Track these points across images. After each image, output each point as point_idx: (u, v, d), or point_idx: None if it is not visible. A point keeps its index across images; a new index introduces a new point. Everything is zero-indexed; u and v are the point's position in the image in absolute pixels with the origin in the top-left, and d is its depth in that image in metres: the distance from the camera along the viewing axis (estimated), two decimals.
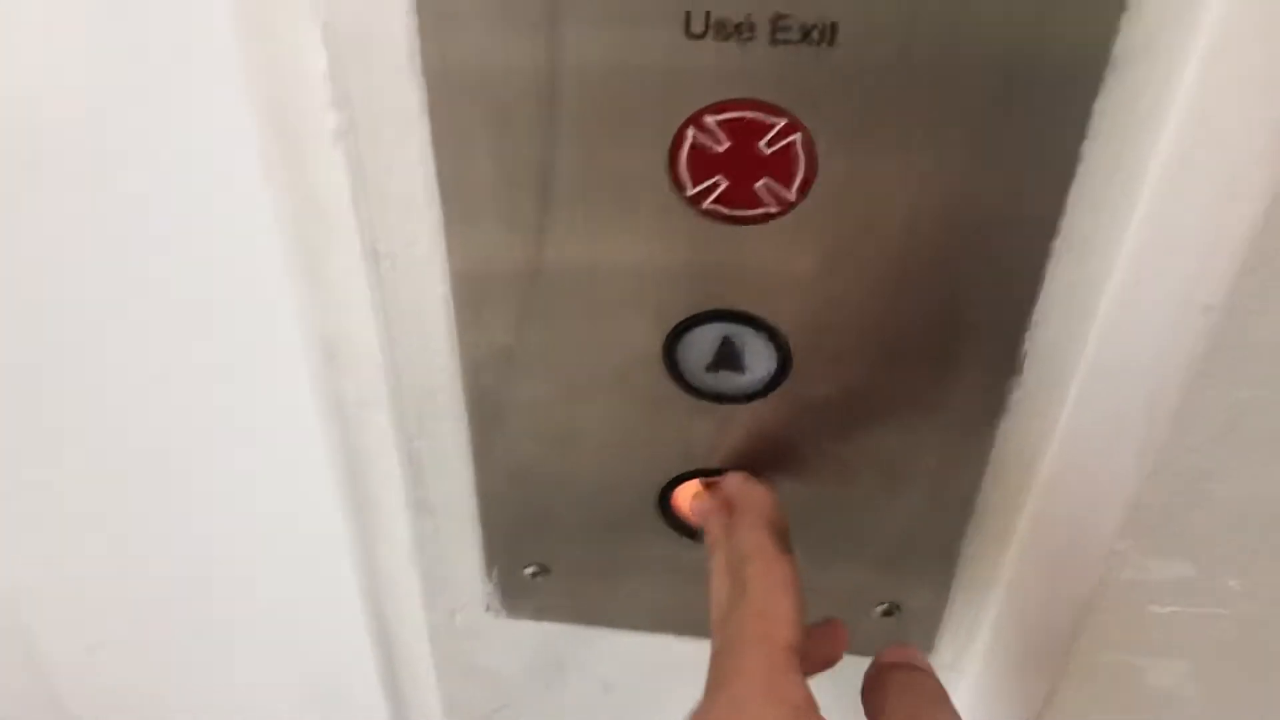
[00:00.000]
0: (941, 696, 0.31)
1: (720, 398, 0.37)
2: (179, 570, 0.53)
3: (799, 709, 0.28)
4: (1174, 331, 0.28)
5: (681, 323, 0.35)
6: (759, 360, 0.35)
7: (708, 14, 0.28)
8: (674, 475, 0.40)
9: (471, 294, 0.35)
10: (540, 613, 0.46)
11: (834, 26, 0.28)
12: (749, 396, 0.36)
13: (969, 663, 0.43)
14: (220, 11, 0.31)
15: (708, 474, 0.39)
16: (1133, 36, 0.27)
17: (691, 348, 0.36)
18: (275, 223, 0.37)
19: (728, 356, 0.36)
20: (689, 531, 0.41)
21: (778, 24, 0.28)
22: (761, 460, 0.39)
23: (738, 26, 0.28)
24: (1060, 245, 0.31)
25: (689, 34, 0.28)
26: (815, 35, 0.28)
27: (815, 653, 0.34)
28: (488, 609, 0.46)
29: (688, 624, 0.45)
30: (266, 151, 0.35)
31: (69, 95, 0.35)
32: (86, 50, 0.33)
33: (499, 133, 0.31)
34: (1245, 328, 0.26)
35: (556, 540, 0.43)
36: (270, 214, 0.36)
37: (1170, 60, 0.27)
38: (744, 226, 0.32)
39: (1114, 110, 0.28)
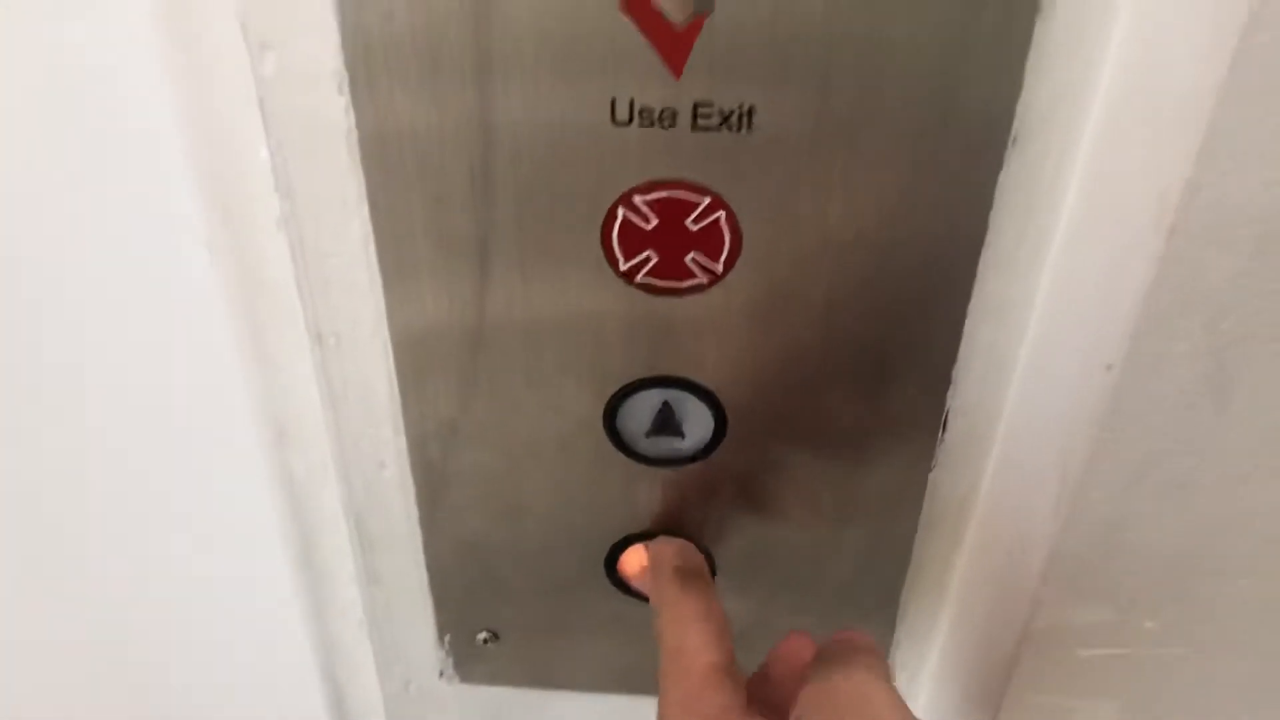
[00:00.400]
0: (855, 651, 0.30)
1: (661, 462, 0.38)
2: (130, 647, 0.53)
3: (711, 716, 0.29)
4: (1080, 389, 0.30)
5: (620, 390, 0.36)
6: (697, 424, 0.37)
7: (632, 102, 0.30)
8: (619, 539, 0.40)
9: (415, 369, 0.36)
10: (493, 678, 0.47)
11: (751, 112, 0.29)
12: (689, 459, 0.38)
13: (913, 710, 0.44)
14: (164, 101, 0.32)
15: (652, 537, 0.40)
16: (1030, 115, 0.29)
17: (631, 414, 0.37)
18: (223, 305, 0.37)
19: (666, 422, 0.37)
20: (636, 594, 0.42)
21: (698, 111, 0.29)
22: (704, 521, 0.40)
23: (660, 114, 0.30)
24: (976, 309, 0.33)
25: (615, 121, 0.30)
26: (734, 121, 0.29)
27: (781, 668, 0.35)
28: (441, 676, 0.47)
29: (638, 683, 0.46)
30: (213, 238, 0.36)
31: (11, 180, 0.36)
32: (29, 137, 0.34)
33: (437, 215, 0.32)
34: (1144, 385, 0.28)
35: (507, 606, 0.44)
36: (218, 297, 0.37)
37: (1065, 136, 0.29)
38: (675, 298, 0.34)
39: (1017, 183, 0.30)
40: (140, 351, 0.40)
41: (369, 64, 0.30)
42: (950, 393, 0.35)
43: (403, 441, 0.38)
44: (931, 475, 0.37)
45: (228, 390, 0.40)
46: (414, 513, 0.40)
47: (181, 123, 0.33)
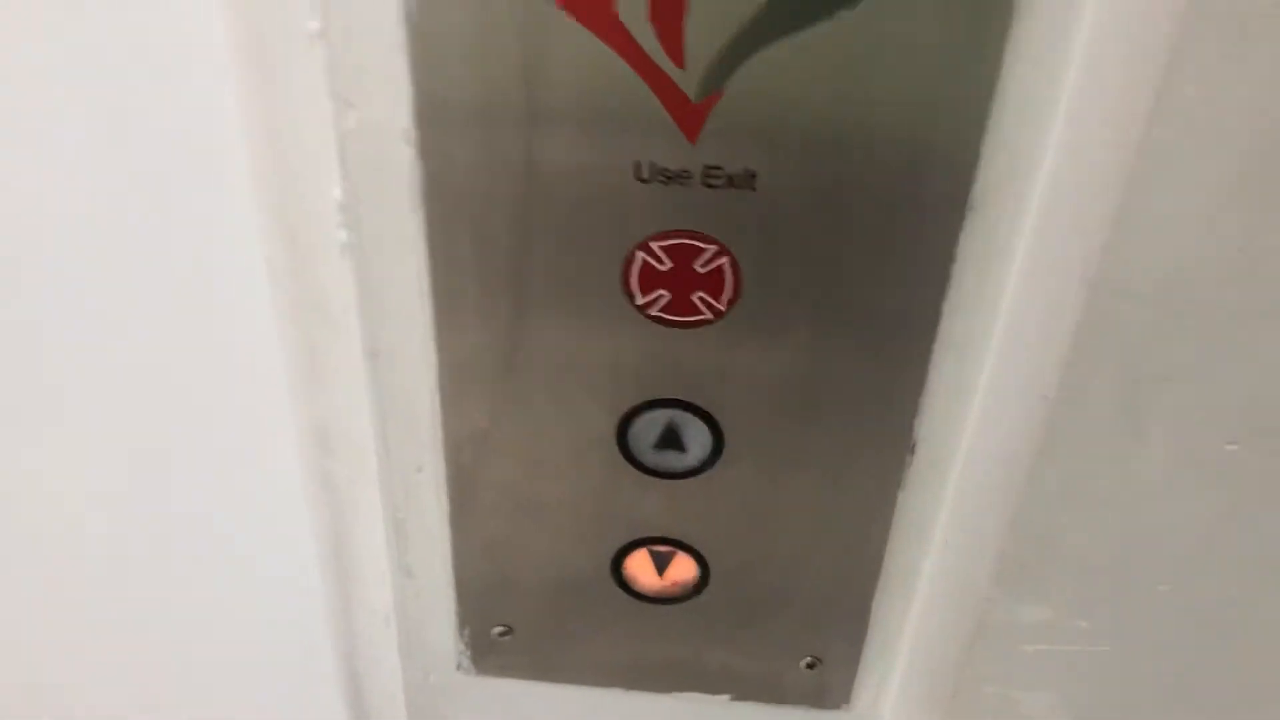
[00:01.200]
0: None
1: (666, 474, 0.43)
2: (153, 631, 0.57)
3: None
4: (1024, 417, 0.35)
5: (632, 409, 0.42)
6: (698, 441, 0.42)
7: (652, 164, 0.35)
8: (626, 542, 0.46)
9: (456, 386, 0.42)
10: (506, 670, 0.52)
11: (753, 175, 0.35)
12: (690, 472, 0.43)
13: (883, 707, 0.49)
14: (238, 133, 0.38)
15: (655, 542, 0.45)
16: (985, 185, 0.35)
17: (641, 431, 0.42)
18: (277, 324, 0.43)
19: (671, 438, 0.42)
20: (640, 595, 0.47)
21: (708, 173, 0.35)
22: (701, 528, 0.45)
23: (676, 174, 0.35)
24: (939, 348, 0.38)
25: (638, 178, 0.36)
26: (739, 181, 0.35)
27: None
28: (459, 668, 0.52)
29: (638, 678, 0.51)
30: (274, 261, 0.41)
31: (77, 193, 0.41)
32: (97, 158, 0.39)
33: (484, 252, 0.38)
34: (1073, 415, 0.33)
35: (521, 602, 0.49)
36: (273, 316, 0.43)
37: (1014, 204, 0.35)
38: (684, 330, 0.39)
39: (975, 242, 0.36)
40: (188, 365, 0.45)
41: (434, 123, 0.35)
42: (917, 421, 0.40)
43: (440, 448, 0.44)
44: (900, 494, 0.42)
45: (275, 400, 0.45)
46: (445, 513, 0.46)
47: (260, 165, 0.38)
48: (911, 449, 0.41)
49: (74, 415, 0.48)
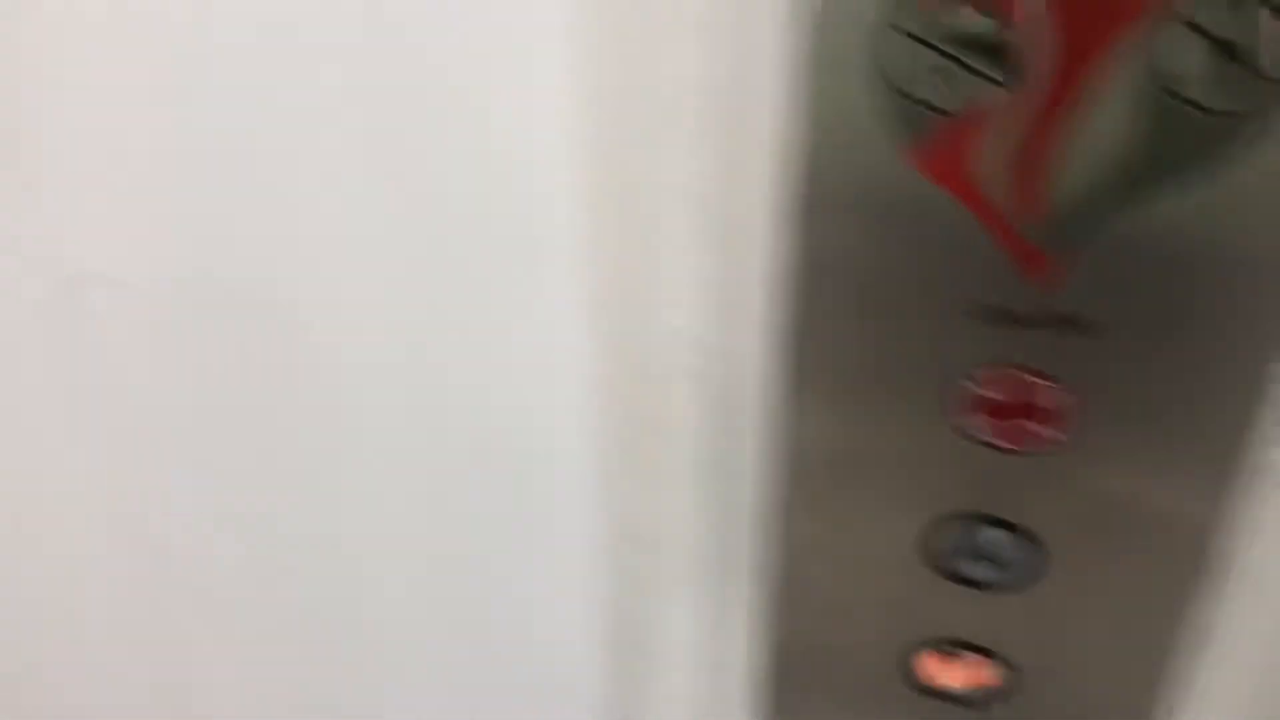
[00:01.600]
0: None
1: (972, 584, 0.46)
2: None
3: None
4: None
5: (946, 520, 0.44)
6: (1012, 559, 0.44)
7: (991, 303, 0.39)
8: (928, 646, 0.48)
9: (786, 494, 0.45)
10: None
11: (1094, 322, 0.38)
12: (1003, 586, 0.45)
13: None
14: (588, 263, 0.43)
15: (960, 647, 0.48)
16: None
17: (952, 544, 0.45)
18: (601, 433, 0.48)
19: (981, 553, 0.45)
20: (932, 694, 0.50)
21: (1055, 318, 0.38)
22: (1001, 640, 0.47)
23: (1013, 315, 0.38)
24: (1258, 479, 0.40)
25: (972, 316, 0.39)
26: (1081, 327, 0.38)
27: None
28: None
29: None
30: (610, 379, 0.46)
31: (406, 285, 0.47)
32: (435, 273, 0.45)
33: (827, 381, 0.42)
34: None
35: (818, 697, 0.52)
36: (595, 423, 0.48)
37: None
38: (1006, 455, 0.42)
39: None
40: (509, 463, 0.51)
41: (796, 270, 0.40)
42: (1235, 546, 0.42)
43: (757, 550, 0.48)
44: (1215, 615, 0.44)
45: (584, 498, 0.50)
46: (753, 610, 0.49)
47: (610, 295, 0.44)
48: (1228, 573, 0.43)
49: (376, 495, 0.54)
